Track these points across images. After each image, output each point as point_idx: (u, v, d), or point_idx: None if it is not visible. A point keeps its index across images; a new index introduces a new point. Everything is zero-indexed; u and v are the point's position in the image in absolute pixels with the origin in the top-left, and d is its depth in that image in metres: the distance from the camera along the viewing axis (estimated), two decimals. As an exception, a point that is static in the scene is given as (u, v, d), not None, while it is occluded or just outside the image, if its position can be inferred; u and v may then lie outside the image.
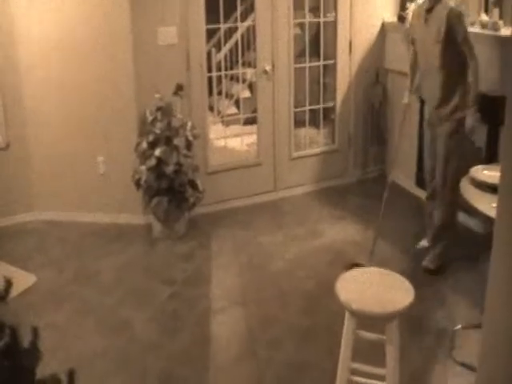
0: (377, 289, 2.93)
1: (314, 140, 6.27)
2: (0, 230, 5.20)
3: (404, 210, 5.43)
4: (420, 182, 5.59)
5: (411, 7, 5.31)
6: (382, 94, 6.02)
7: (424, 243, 4.73)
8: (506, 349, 1.81)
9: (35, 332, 2.08)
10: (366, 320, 2.89)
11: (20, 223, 5.40)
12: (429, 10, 4.28)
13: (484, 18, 4.77)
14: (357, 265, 4.17)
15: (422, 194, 5.57)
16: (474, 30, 4.75)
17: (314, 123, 6.27)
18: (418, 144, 5.54)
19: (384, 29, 5.90)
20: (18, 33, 5.15)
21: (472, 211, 3.25)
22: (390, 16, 5.89)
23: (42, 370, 2.12)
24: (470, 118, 4.20)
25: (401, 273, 3.05)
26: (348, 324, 2.89)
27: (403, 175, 5.83)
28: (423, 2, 4.38)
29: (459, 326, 3.73)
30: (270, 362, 3.56)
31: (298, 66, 5.85)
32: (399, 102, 5.67)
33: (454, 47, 4.15)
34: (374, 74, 5.97)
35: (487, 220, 3.02)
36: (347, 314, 2.88)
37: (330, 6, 5.90)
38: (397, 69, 5.74)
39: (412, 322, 3.66)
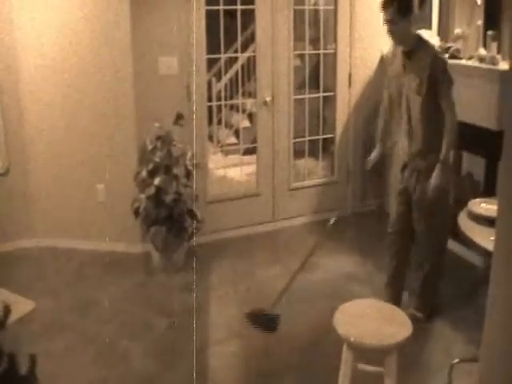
0: (375, 322, 2.94)
1: (313, 171, 6.29)
2: (0, 256, 5.19)
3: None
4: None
5: (389, 48, 5.31)
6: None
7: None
8: (504, 382, 1.81)
9: (33, 360, 2.08)
10: (364, 353, 2.89)
11: (19, 249, 5.38)
12: (408, 55, 3.85)
13: (482, 52, 4.79)
14: (259, 312, 4.19)
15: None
16: (472, 63, 4.80)
17: (314, 154, 6.30)
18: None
19: (383, 61, 5.94)
20: (18, 60, 5.19)
21: (470, 244, 3.27)
22: (389, 49, 5.94)
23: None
24: (437, 177, 3.85)
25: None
26: (346, 356, 2.89)
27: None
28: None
29: (456, 360, 3.72)
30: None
31: (298, 97, 5.90)
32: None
33: (436, 100, 3.80)
34: (374, 106, 6.00)
35: (485, 253, 3.03)
36: (345, 347, 2.89)
37: (330, 38, 5.97)
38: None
39: (409, 355, 3.60)
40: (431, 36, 5.30)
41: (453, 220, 3.76)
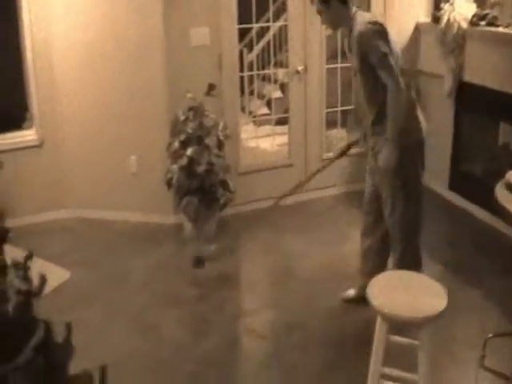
0: (409, 293, 2.90)
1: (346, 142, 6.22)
2: (34, 226, 5.25)
3: (436, 216, 5.31)
4: (454, 185, 5.50)
5: (446, 7, 5.25)
6: (415, 97, 5.91)
7: (350, 293, 4.14)
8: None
9: (69, 328, 2.10)
10: (397, 325, 2.86)
11: (53, 220, 5.45)
12: (348, 35, 3.68)
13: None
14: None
15: (455, 199, 5.54)
16: (509, 31, 4.69)
17: (346, 124, 6.24)
18: (453, 143, 5.45)
19: (418, 29, 5.83)
20: (53, 33, 5.22)
21: (507, 216, 3.20)
22: (424, 16, 5.83)
23: (73, 366, 2.14)
24: (384, 157, 3.60)
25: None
26: (380, 328, 2.86)
27: (435, 178, 5.73)
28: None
29: (491, 335, 3.66)
30: (297, 369, 3.52)
31: (330, 66, 5.83)
32: (433, 104, 5.64)
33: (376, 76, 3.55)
34: (407, 75, 5.89)
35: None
36: (379, 319, 2.85)
37: (363, 6, 5.87)
38: (430, 71, 5.68)
39: (442, 328, 3.54)
40: (467, 2, 5.19)
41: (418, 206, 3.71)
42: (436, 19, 5.49)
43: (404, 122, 3.56)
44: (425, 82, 5.86)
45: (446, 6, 5.30)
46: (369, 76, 3.60)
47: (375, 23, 3.56)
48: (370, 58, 3.52)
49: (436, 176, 5.71)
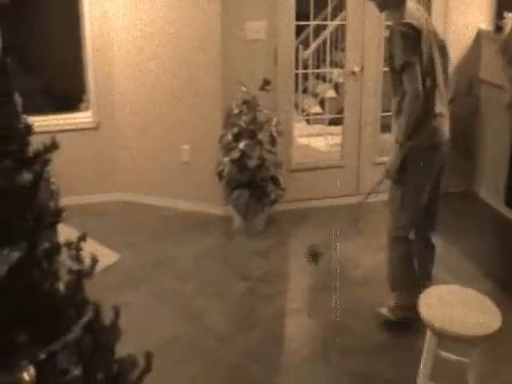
0: (461, 309, 2.83)
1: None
2: (86, 207, 5.34)
3: (491, 231, 5.23)
4: (511, 201, 5.30)
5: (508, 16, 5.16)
6: (475, 106, 5.77)
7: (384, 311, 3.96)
8: None
9: (117, 311, 2.14)
10: (448, 341, 2.80)
11: (104, 202, 5.55)
12: (388, 26, 3.69)
13: None
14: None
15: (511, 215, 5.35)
16: None
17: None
18: (511, 157, 5.28)
19: (479, 37, 5.71)
20: (113, 23, 5.32)
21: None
22: (486, 25, 5.71)
23: (119, 349, 2.18)
24: (390, 157, 3.65)
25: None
26: (429, 342, 2.81)
27: (491, 192, 5.61)
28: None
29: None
30: (341, 371, 3.49)
31: (387, 69, 5.76)
32: (492, 115, 5.53)
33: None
34: (467, 83, 5.79)
35: None
36: (428, 333, 2.80)
37: (423, 9, 5.80)
38: (492, 81, 5.51)
39: (493, 347, 3.31)
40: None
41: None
42: (498, 28, 5.40)
43: (415, 129, 3.51)
44: (486, 92, 5.72)
45: (508, 15, 5.20)
46: (395, 73, 3.56)
47: (405, 24, 3.47)
48: (394, 59, 3.49)
49: (492, 190, 5.60)
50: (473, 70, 5.75)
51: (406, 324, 3.75)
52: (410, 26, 3.46)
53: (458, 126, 5.75)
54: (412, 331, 3.64)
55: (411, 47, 3.43)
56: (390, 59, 3.58)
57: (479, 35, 5.71)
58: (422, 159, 3.63)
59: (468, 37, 5.73)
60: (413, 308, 3.16)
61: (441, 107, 3.65)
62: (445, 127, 3.69)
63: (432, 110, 3.59)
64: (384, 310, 3.92)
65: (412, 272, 3.85)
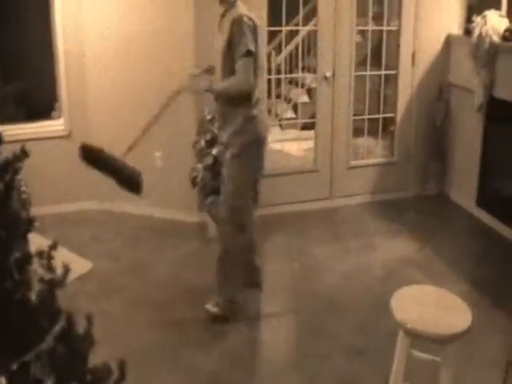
0: (433, 309, 2.85)
1: (372, 150, 6.20)
2: (59, 216, 5.34)
3: (462, 232, 5.30)
4: (481, 202, 5.41)
5: (477, 20, 5.21)
6: (445, 110, 5.84)
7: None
8: None
9: (90, 319, 2.13)
10: (420, 341, 2.81)
11: (77, 211, 5.54)
12: (223, 15, 3.75)
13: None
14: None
15: (482, 216, 5.42)
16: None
17: (373, 133, 6.22)
18: (481, 158, 5.37)
19: (449, 42, 5.78)
20: (85, 27, 5.34)
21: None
22: (456, 29, 5.78)
23: (93, 358, 2.17)
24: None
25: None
26: (402, 343, 2.83)
27: (462, 193, 5.69)
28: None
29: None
30: (317, 376, 3.49)
31: (359, 73, 5.82)
32: (462, 119, 5.60)
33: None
34: (438, 88, 5.86)
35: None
36: (401, 333, 2.82)
37: (393, 15, 5.87)
38: (462, 85, 5.59)
39: (465, 347, 3.32)
40: (500, 16, 5.16)
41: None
42: (468, 32, 5.45)
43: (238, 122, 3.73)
44: (455, 95, 5.80)
45: (477, 19, 5.24)
46: (229, 62, 3.65)
47: (249, 18, 3.66)
48: (234, 46, 3.59)
49: (463, 191, 5.68)
50: (443, 74, 5.82)
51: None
52: (252, 19, 3.67)
53: (430, 130, 5.90)
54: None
55: (253, 39, 3.62)
56: (227, 47, 3.65)
57: (449, 39, 5.79)
58: (251, 152, 3.85)
59: (437, 41, 5.80)
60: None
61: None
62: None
63: (251, 106, 3.75)
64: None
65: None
